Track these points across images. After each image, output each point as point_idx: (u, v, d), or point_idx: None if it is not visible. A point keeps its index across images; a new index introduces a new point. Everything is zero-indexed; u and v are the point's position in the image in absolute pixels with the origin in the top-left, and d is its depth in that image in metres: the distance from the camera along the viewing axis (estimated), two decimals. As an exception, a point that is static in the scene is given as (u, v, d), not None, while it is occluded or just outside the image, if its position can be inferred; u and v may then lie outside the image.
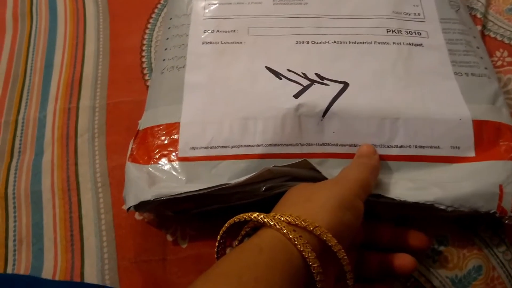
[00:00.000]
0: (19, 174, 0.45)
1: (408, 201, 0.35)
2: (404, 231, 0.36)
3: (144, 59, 0.51)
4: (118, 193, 0.42)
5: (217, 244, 0.32)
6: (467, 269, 0.37)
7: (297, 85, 0.40)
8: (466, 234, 0.38)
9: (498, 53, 0.48)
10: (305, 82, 0.41)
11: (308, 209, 0.30)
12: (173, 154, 0.38)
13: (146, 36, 0.53)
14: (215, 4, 0.47)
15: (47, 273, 0.39)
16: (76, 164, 0.45)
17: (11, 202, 0.43)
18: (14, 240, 0.41)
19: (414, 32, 0.45)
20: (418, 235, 0.35)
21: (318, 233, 0.28)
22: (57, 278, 0.39)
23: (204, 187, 0.35)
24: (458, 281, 0.37)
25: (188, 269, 0.38)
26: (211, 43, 0.44)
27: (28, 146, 0.46)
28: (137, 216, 0.41)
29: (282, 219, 0.28)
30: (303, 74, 0.41)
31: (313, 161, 0.35)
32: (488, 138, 0.38)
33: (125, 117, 0.47)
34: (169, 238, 0.39)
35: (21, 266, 0.40)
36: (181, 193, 0.35)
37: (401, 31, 0.45)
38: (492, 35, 0.50)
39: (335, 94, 0.40)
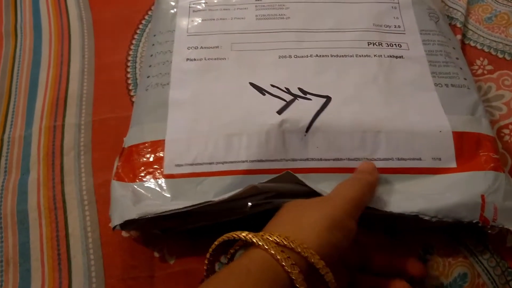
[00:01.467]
0: (5, 194, 0.44)
1: (394, 212, 0.35)
2: (401, 258, 0.35)
3: (129, 75, 0.52)
4: (104, 210, 0.42)
5: (206, 262, 0.32)
6: (452, 276, 0.37)
7: (281, 100, 0.41)
8: (451, 242, 0.39)
9: (478, 62, 0.49)
10: (288, 98, 0.41)
11: (298, 229, 0.29)
12: (158, 171, 0.38)
13: (131, 52, 0.53)
14: (198, 20, 0.48)
15: (34, 294, 0.39)
16: (62, 182, 0.45)
17: (-3, 223, 0.43)
18: (1, 261, 0.41)
19: (395, 44, 0.46)
20: (415, 263, 0.35)
21: (306, 254, 0.28)
22: (44, 299, 0.38)
23: (188, 205, 0.35)
24: (444, 289, 0.37)
25: (176, 285, 0.38)
26: (195, 59, 0.45)
27: (14, 165, 0.46)
28: (124, 233, 0.41)
29: (271, 239, 0.28)
30: (286, 89, 0.42)
31: (299, 175, 0.36)
32: (469, 149, 0.39)
33: (110, 133, 0.47)
34: (156, 254, 0.39)
35: (8, 287, 0.39)
36: (166, 212, 0.35)
37: (381, 43, 0.46)
38: (472, 44, 0.51)
39: (318, 109, 0.40)
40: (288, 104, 0.41)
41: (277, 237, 0.28)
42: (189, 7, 0.49)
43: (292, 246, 0.28)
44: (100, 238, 0.41)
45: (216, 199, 0.35)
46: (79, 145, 0.47)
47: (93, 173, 0.45)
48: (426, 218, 0.35)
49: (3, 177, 0.46)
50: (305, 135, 0.39)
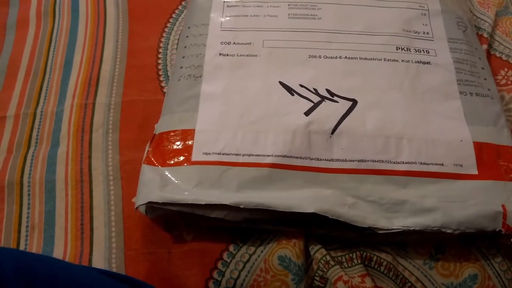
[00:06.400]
0: (35, 164, 0.46)
1: (416, 229, 0.36)
2: None
3: (160, 61, 0.53)
4: (128, 186, 0.44)
5: None
6: (463, 277, 0.38)
7: (308, 101, 0.42)
8: (464, 243, 0.39)
9: (502, 72, 0.50)
10: (316, 99, 0.42)
11: None
12: (186, 158, 0.40)
13: (163, 39, 0.55)
14: (232, 15, 0.49)
15: (56, 259, 0.41)
16: (89, 157, 0.46)
17: (25, 190, 0.44)
18: (27, 226, 0.43)
19: (423, 50, 0.46)
20: None
21: None
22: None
23: (210, 201, 0.37)
24: (453, 288, 0.38)
25: (191, 263, 0.39)
26: (227, 55, 0.46)
27: (45, 137, 0.48)
28: (146, 209, 0.42)
29: None
30: (314, 90, 0.43)
31: (346, 203, 0.37)
32: (489, 159, 0.40)
33: (138, 115, 0.49)
34: (175, 231, 0.41)
35: (32, 250, 0.41)
36: (188, 202, 0.37)
37: (410, 48, 0.46)
38: (497, 54, 0.52)
39: (344, 112, 0.41)
40: (316, 105, 0.42)
41: None
42: (224, 2, 0.50)
43: None
44: (122, 212, 0.43)
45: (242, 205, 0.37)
46: (108, 123, 0.48)
47: (119, 151, 0.46)
48: (449, 231, 0.36)
49: (34, 148, 0.47)
50: (330, 137, 0.40)
